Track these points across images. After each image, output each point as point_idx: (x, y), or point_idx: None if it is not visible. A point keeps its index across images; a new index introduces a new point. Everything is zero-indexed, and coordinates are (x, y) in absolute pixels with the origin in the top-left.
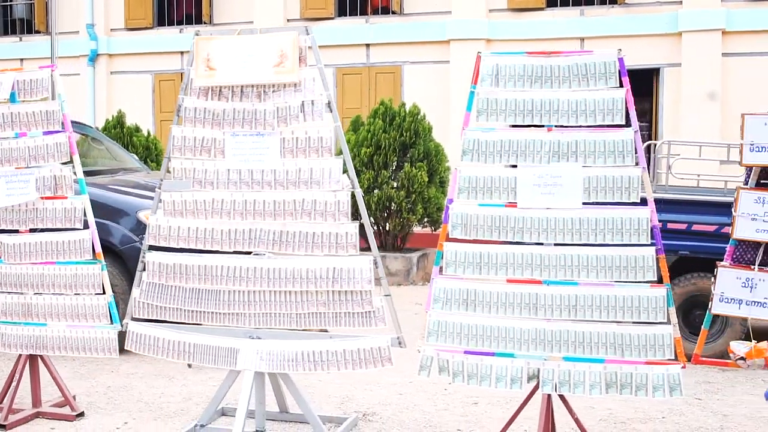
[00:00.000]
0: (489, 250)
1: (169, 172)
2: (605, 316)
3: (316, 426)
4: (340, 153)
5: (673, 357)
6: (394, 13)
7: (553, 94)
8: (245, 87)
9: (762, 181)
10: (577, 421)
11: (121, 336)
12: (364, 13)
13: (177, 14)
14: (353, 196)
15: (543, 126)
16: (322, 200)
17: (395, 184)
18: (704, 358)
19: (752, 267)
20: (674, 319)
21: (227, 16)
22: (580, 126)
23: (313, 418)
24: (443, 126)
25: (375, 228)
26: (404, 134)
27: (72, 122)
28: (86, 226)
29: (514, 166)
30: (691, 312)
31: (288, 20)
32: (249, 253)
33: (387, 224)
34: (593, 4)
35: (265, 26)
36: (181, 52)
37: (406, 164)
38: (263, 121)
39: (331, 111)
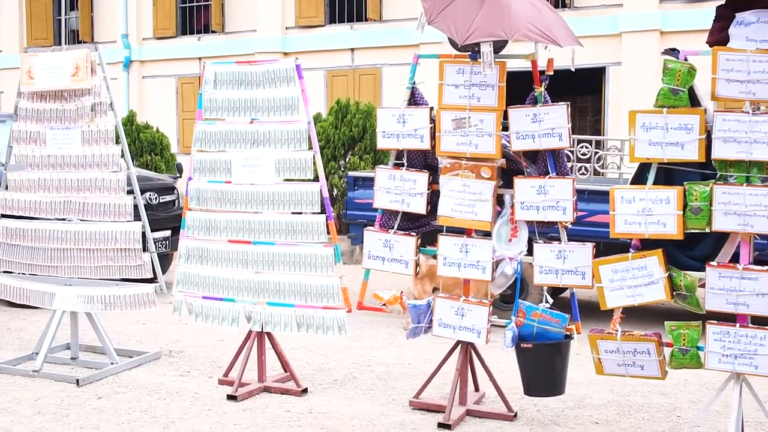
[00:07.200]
0: (215, 216)
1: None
2: (294, 270)
3: (110, 354)
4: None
5: (341, 304)
6: (373, 20)
7: (253, 94)
8: (57, 91)
9: (396, 162)
10: (280, 354)
11: None
12: (350, 20)
13: (197, 24)
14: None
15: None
16: (107, 179)
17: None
18: (366, 305)
19: (389, 231)
20: (341, 272)
21: (235, 26)
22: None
23: (108, 349)
24: None
25: None
26: (353, 130)
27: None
28: None
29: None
30: None
31: (286, 28)
32: (64, 219)
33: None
34: None
35: (267, 33)
36: (199, 58)
37: (352, 156)
38: (69, 117)
39: (113, 110)
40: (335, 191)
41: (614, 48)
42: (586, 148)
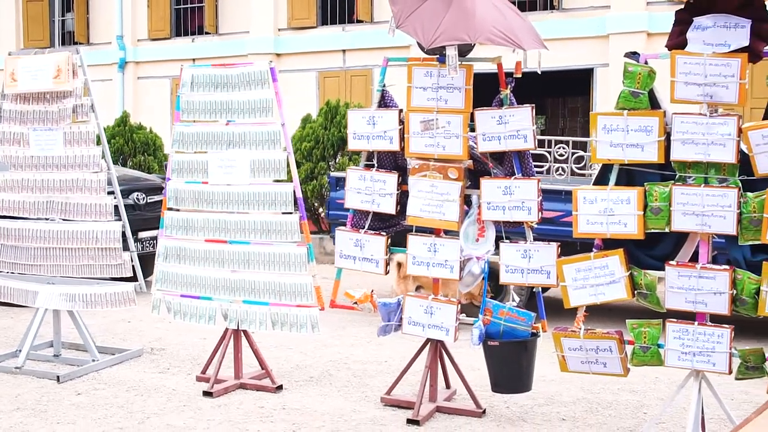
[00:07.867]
0: (192, 216)
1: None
2: (268, 269)
3: (92, 352)
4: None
5: (314, 302)
6: (365, 21)
7: (229, 96)
8: (40, 93)
9: (367, 163)
10: (256, 352)
11: None
12: (342, 21)
13: (190, 26)
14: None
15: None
16: (89, 179)
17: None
18: (339, 303)
19: (360, 230)
20: (315, 271)
21: (229, 27)
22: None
23: (89, 347)
24: None
25: (310, 213)
26: (342, 131)
27: None
28: None
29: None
30: None
31: (278, 29)
32: (47, 219)
33: (321, 210)
34: (536, 9)
35: (259, 34)
36: (193, 59)
37: (341, 157)
38: (51, 119)
39: (95, 112)
40: (324, 192)
41: (602, 49)
42: (563, 148)
